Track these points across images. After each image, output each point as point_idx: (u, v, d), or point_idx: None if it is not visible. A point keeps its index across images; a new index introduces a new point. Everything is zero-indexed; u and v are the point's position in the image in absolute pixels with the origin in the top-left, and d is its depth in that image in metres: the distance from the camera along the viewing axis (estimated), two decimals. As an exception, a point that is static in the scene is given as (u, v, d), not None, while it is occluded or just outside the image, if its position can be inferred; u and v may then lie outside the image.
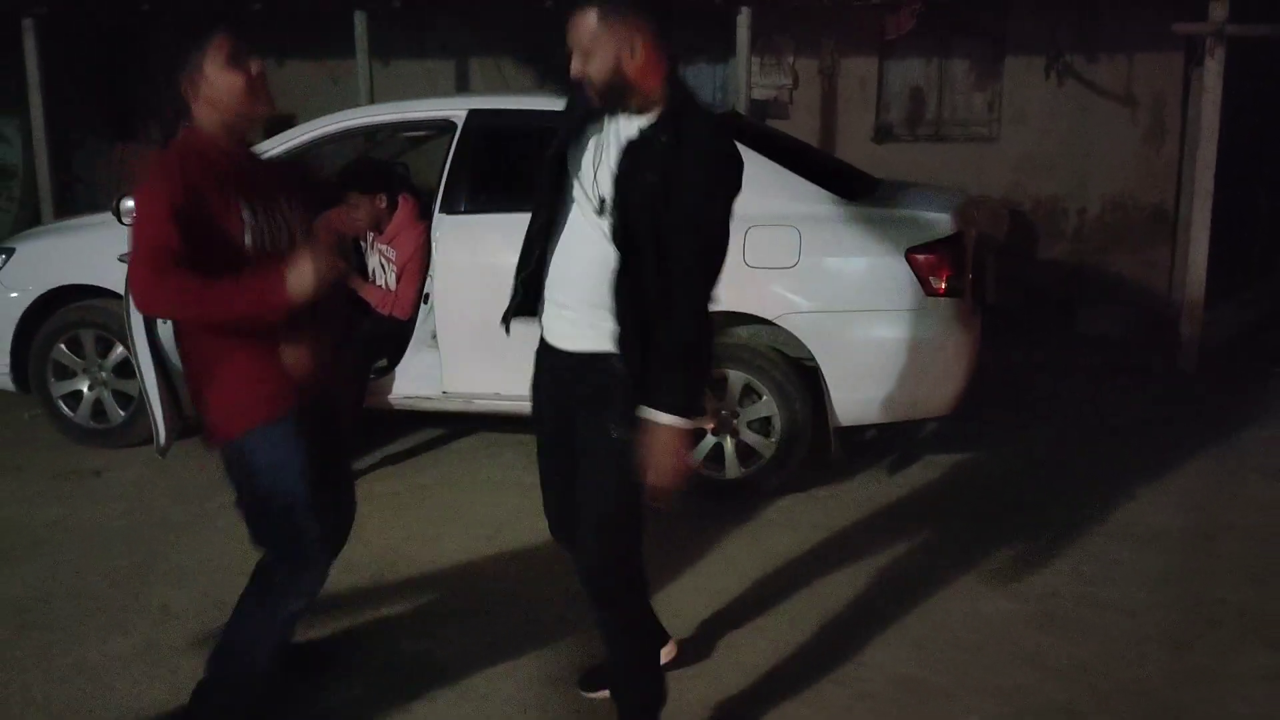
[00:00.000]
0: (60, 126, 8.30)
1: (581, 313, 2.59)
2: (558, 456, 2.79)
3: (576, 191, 2.60)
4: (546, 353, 2.73)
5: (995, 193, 8.02)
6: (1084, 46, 7.95)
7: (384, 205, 4.89)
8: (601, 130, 2.59)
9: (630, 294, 2.50)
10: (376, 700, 3.12)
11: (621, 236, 2.49)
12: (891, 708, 3.09)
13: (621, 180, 2.50)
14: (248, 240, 2.59)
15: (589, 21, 2.44)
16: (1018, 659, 3.34)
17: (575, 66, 2.50)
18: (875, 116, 8.44)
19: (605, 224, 2.53)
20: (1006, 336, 6.51)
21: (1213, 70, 6.32)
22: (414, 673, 3.26)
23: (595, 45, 2.45)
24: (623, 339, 2.51)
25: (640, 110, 2.52)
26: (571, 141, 2.64)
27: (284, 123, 9.34)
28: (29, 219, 8.52)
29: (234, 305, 2.50)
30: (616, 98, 2.50)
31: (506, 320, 2.76)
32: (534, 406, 2.83)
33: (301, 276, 2.47)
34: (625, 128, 2.54)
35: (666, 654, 3.14)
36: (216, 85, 2.61)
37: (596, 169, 2.57)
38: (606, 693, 2.97)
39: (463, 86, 9.19)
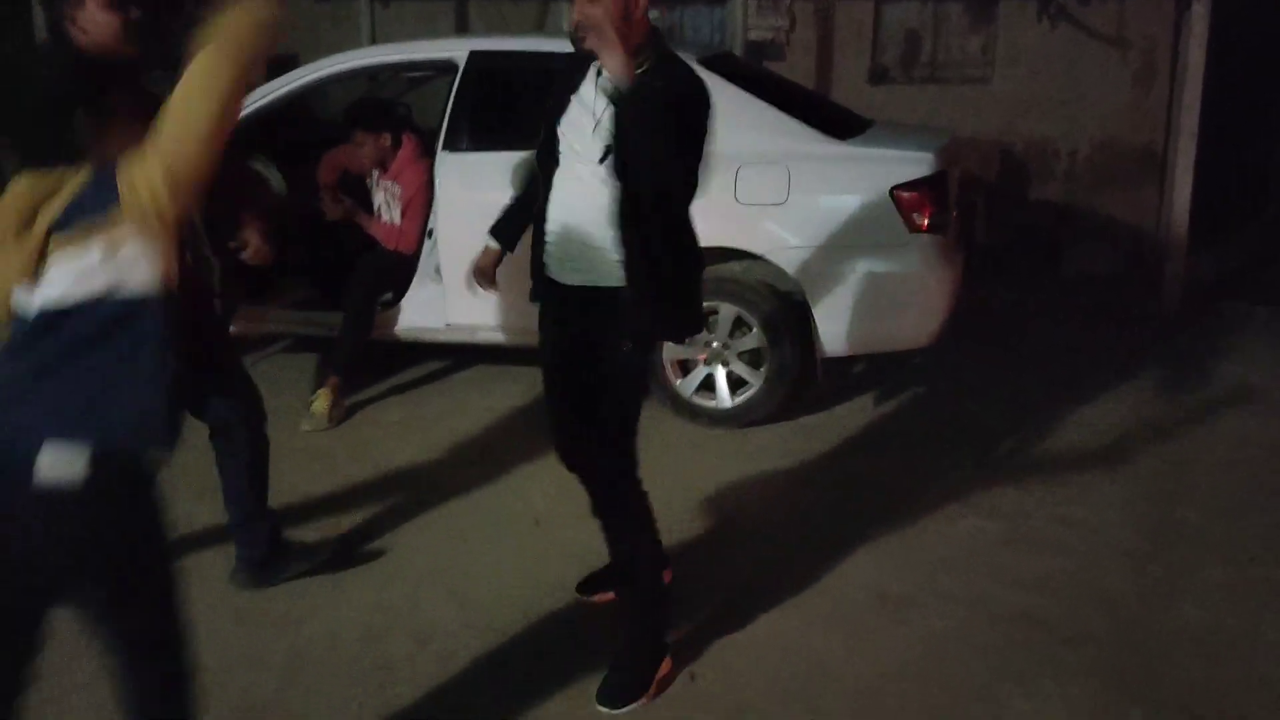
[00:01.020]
0: None
1: (586, 253, 2.82)
2: (563, 385, 3.01)
3: (573, 145, 2.82)
4: (553, 289, 2.93)
5: (988, 134, 8.13)
6: (1076, -11, 8.02)
7: (389, 143, 5.04)
8: (594, 84, 2.79)
9: (636, 232, 2.73)
10: (386, 602, 3.34)
11: (627, 180, 2.70)
12: (868, 615, 3.31)
13: (624, 128, 2.66)
14: None
15: None
16: (987, 572, 3.56)
17: (577, 9, 2.65)
18: (871, 59, 8.52)
19: (607, 170, 2.73)
20: (994, 275, 6.69)
21: (1199, 13, 6.43)
22: (419, 578, 3.48)
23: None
24: (630, 273, 2.74)
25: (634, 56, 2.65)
26: (564, 100, 2.86)
27: (286, 62, 9.45)
28: None
29: None
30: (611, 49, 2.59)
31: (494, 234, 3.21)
32: (541, 341, 3.04)
33: None
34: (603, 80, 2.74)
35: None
36: (94, 19, 2.73)
37: (598, 120, 2.77)
38: (608, 595, 3.20)
39: (462, 28, 9.24)
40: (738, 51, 6.99)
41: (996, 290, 6.69)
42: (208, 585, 3.37)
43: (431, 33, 8.82)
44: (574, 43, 2.77)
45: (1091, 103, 8.17)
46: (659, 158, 2.65)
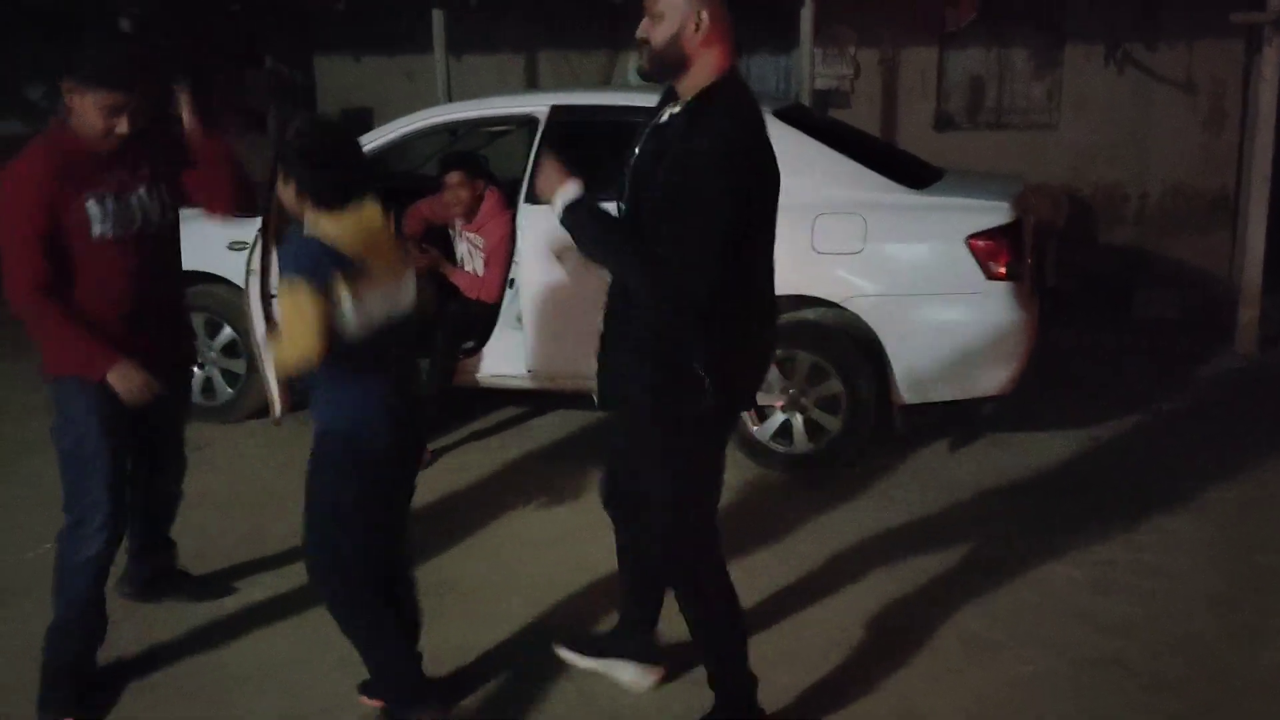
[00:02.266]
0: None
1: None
2: (616, 434, 3.04)
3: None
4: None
5: (1055, 180, 8.16)
6: (1143, 34, 8.06)
7: (482, 190, 5.21)
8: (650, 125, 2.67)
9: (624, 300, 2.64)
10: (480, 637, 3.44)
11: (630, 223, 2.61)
12: (954, 659, 3.35)
13: (634, 168, 2.62)
14: (95, 231, 2.99)
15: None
16: (1073, 618, 3.58)
17: (642, 27, 2.56)
18: (935, 105, 8.62)
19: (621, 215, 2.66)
20: (1065, 320, 6.70)
21: (1271, 59, 6.44)
22: (515, 623, 3.58)
23: (666, 9, 2.51)
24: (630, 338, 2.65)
25: (685, 93, 2.56)
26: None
27: (360, 116, 9.78)
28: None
29: (63, 355, 3.02)
30: (668, 70, 2.56)
31: None
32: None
33: (123, 380, 2.99)
34: (662, 116, 2.63)
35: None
36: (83, 117, 2.95)
37: (629, 162, 2.67)
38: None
39: (532, 81, 9.49)
40: (804, 100, 7.11)
41: (1067, 335, 6.70)
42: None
43: (503, 86, 9.08)
44: (640, 74, 2.72)
45: (1160, 147, 8.18)
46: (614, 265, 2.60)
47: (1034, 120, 8.48)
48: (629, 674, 3.17)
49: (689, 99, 2.56)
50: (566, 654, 3.26)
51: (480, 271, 5.27)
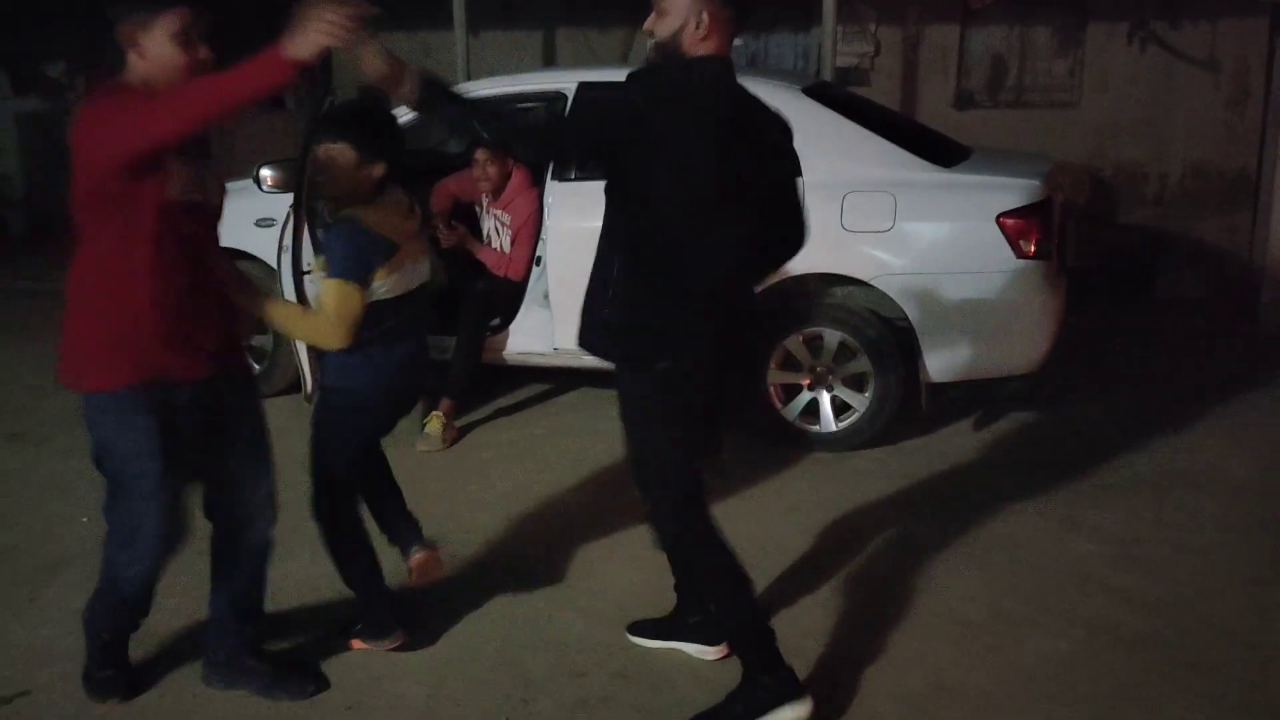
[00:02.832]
0: None
1: None
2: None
3: None
4: None
5: (1076, 158, 8.14)
6: (1167, 12, 8.02)
7: (510, 167, 5.21)
8: None
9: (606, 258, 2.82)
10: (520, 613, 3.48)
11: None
12: (986, 633, 3.37)
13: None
14: (171, 191, 2.59)
15: None
16: (1104, 595, 3.60)
17: (649, 21, 2.70)
18: (956, 83, 8.58)
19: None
20: (1086, 299, 6.69)
21: (1298, 36, 6.40)
22: (548, 594, 3.61)
23: (670, 6, 2.64)
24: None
25: None
26: None
27: (380, 94, 9.75)
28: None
29: (245, 83, 2.44)
30: (670, 62, 2.68)
31: None
32: None
33: (302, 35, 2.38)
34: None
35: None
36: (157, 54, 2.57)
37: None
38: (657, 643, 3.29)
39: (549, 58, 9.47)
40: (826, 78, 7.08)
41: (1088, 314, 6.69)
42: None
43: (520, 63, 9.06)
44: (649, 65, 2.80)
45: (1182, 126, 8.15)
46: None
47: (1055, 98, 8.44)
48: (693, 652, 3.22)
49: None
50: (636, 640, 3.32)
51: (507, 248, 5.28)
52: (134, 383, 2.66)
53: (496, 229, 5.35)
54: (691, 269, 2.72)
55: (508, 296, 5.24)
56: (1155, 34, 8.07)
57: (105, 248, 2.61)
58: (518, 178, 5.25)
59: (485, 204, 5.39)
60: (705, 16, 2.63)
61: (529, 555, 3.93)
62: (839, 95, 5.43)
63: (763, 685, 2.85)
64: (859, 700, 3.03)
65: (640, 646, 3.29)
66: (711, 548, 2.88)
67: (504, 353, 5.27)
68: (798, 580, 3.70)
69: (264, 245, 5.18)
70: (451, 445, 4.98)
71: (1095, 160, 8.31)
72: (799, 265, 4.74)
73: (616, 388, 2.89)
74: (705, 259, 2.73)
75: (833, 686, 3.09)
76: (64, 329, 2.69)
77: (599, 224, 2.86)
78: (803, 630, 3.38)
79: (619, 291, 2.75)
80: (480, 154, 5.21)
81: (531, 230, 5.19)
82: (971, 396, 5.34)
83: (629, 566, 3.81)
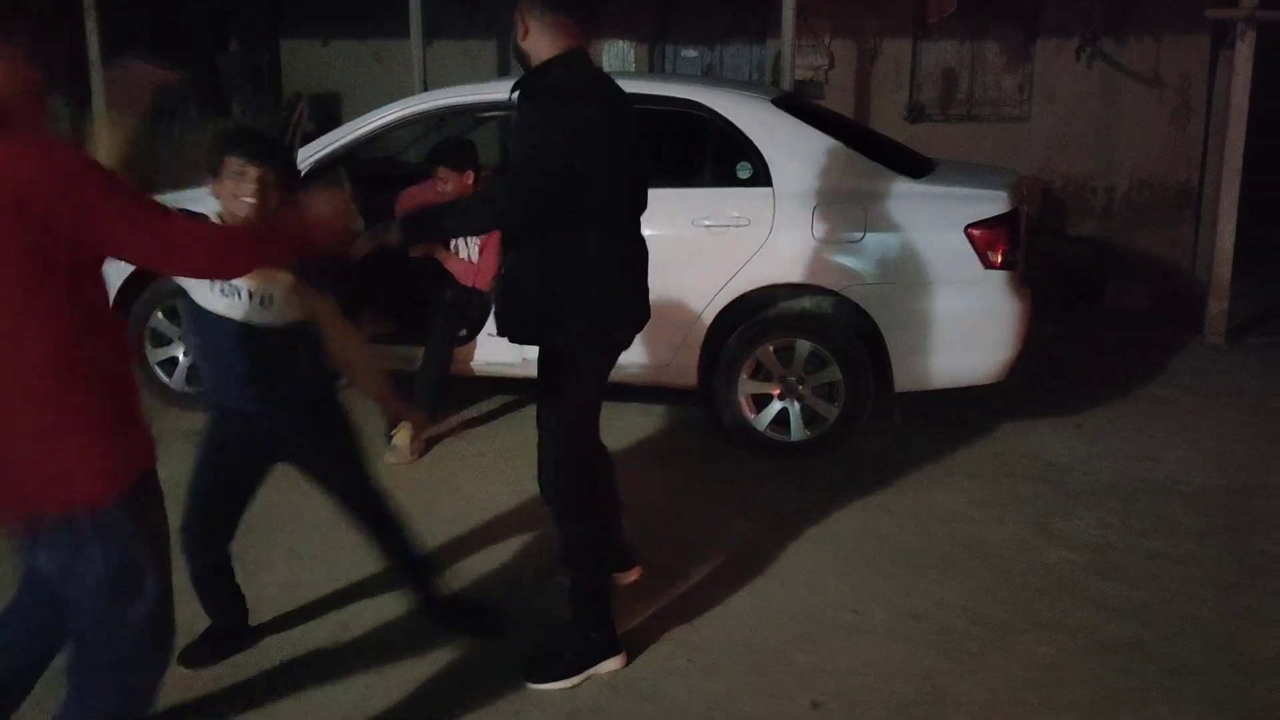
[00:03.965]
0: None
1: None
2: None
3: None
4: None
5: (1026, 171, 8.27)
6: (1113, 29, 8.20)
7: (471, 181, 5.16)
8: None
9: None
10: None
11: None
12: (971, 641, 3.39)
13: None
14: None
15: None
16: (1082, 601, 3.64)
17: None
18: (909, 96, 8.70)
19: None
20: (1037, 310, 6.78)
21: (1243, 54, 6.57)
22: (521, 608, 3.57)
23: (514, 18, 3.04)
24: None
25: None
26: None
27: (329, 101, 9.64)
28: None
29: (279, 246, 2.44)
30: (521, 63, 3.09)
31: None
32: None
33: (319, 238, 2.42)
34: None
35: (625, 578, 3.70)
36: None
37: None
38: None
39: (504, 67, 9.42)
40: (786, 89, 7.13)
41: (1042, 325, 6.79)
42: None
43: (474, 71, 9.00)
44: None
45: (1128, 141, 8.34)
46: None
47: (1005, 112, 8.59)
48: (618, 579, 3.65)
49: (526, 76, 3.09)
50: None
51: (474, 258, 5.23)
52: (147, 469, 2.26)
53: (464, 239, 5.29)
54: (605, 257, 3.10)
55: (475, 307, 5.18)
56: (1102, 50, 8.25)
57: (62, 318, 2.05)
58: (482, 183, 5.20)
59: (451, 213, 5.32)
60: (530, 23, 3.00)
61: (503, 567, 3.88)
62: (807, 106, 5.47)
63: (592, 640, 3.19)
64: (855, 711, 3.03)
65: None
66: (587, 518, 3.24)
67: (472, 363, 5.21)
68: (777, 590, 3.70)
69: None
70: (420, 458, 4.91)
71: (1044, 173, 8.47)
72: (771, 275, 4.82)
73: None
74: (616, 248, 3.16)
75: (829, 697, 3.08)
76: (25, 441, 2.06)
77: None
78: (788, 636, 3.39)
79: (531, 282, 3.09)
80: (439, 171, 5.16)
81: (499, 240, 5.13)
82: (940, 406, 5.40)
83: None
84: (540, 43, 3.01)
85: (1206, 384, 6.08)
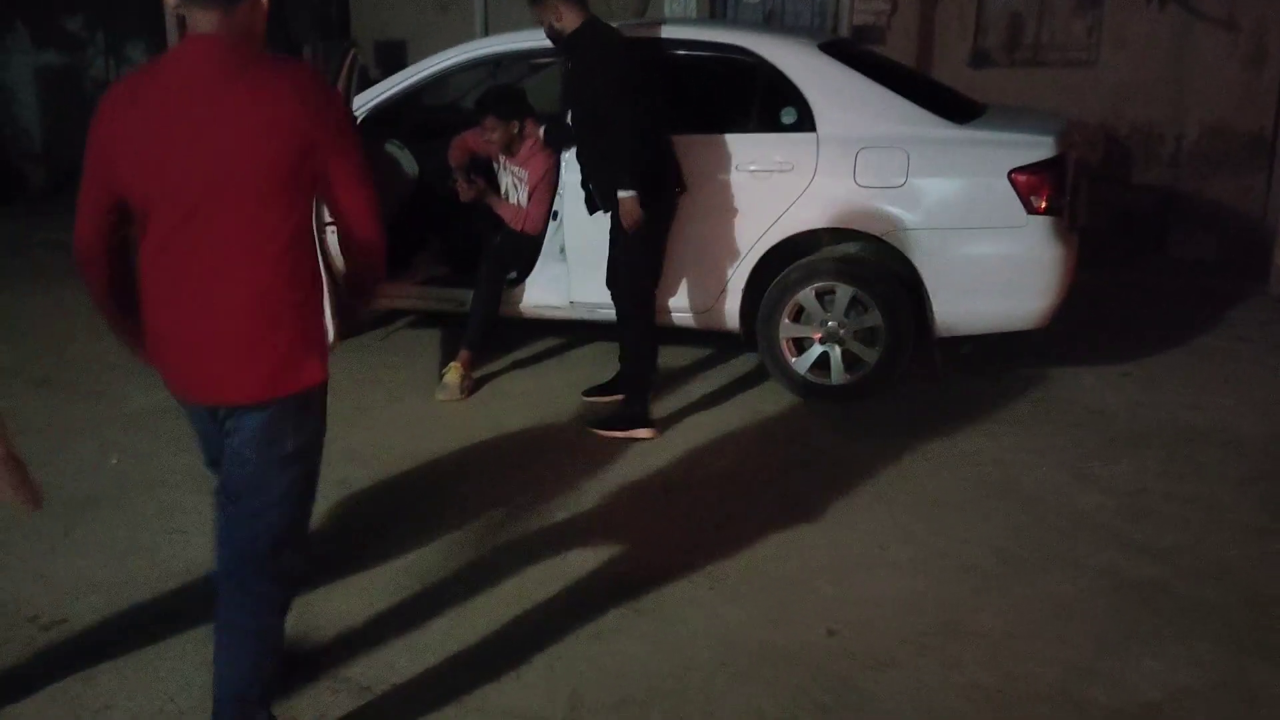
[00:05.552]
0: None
1: None
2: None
3: None
4: None
5: (1092, 118, 8.13)
6: (1187, -29, 7.97)
7: (516, 130, 5.26)
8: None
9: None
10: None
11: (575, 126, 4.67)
12: (994, 578, 3.46)
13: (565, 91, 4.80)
14: None
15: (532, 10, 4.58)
16: (1110, 542, 3.68)
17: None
18: (973, 42, 8.55)
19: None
20: (1098, 259, 6.72)
21: (1318, -5, 6.38)
22: (570, 539, 3.71)
23: (541, 17, 4.54)
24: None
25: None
26: None
27: (395, 48, 9.78)
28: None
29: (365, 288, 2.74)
30: (555, 40, 4.55)
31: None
32: None
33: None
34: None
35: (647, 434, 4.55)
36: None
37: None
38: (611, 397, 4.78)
39: (566, 14, 9.44)
40: (843, 35, 7.09)
41: (1101, 273, 6.73)
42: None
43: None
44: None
45: (1199, 87, 8.12)
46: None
47: (1072, 58, 8.41)
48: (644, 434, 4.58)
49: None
50: (589, 399, 4.92)
51: (524, 203, 5.34)
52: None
53: (514, 184, 5.40)
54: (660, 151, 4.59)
55: (525, 250, 5.31)
56: (1174, -8, 8.02)
57: (292, 231, 2.34)
58: (532, 135, 5.29)
59: (502, 160, 5.44)
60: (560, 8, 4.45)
61: (543, 499, 4.02)
62: (855, 52, 5.46)
63: (635, 410, 4.57)
64: (869, 639, 3.12)
65: (595, 403, 4.84)
66: (647, 336, 4.64)
67: (520, 305, 5.34)
68: (808, 523, 3.79)
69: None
70: (469, 396, 5.07)
71: (1111, 120, 8.30)
72: (813, 220, 4.86)
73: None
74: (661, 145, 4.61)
75: (845, 626, 3.18)
76: (260, 328, 2.34)
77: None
78: (812, 569, 3.48)
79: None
80: (487, 121, 5.25)
81: (548, 185, 5.25)
82: (982, 353, 5.41)
83: (642, 509, 3.92)
84: (569, 20, 4.46)
85: (1266, 335, 5.99)
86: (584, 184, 4.67)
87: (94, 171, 2.34)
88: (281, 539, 2.47)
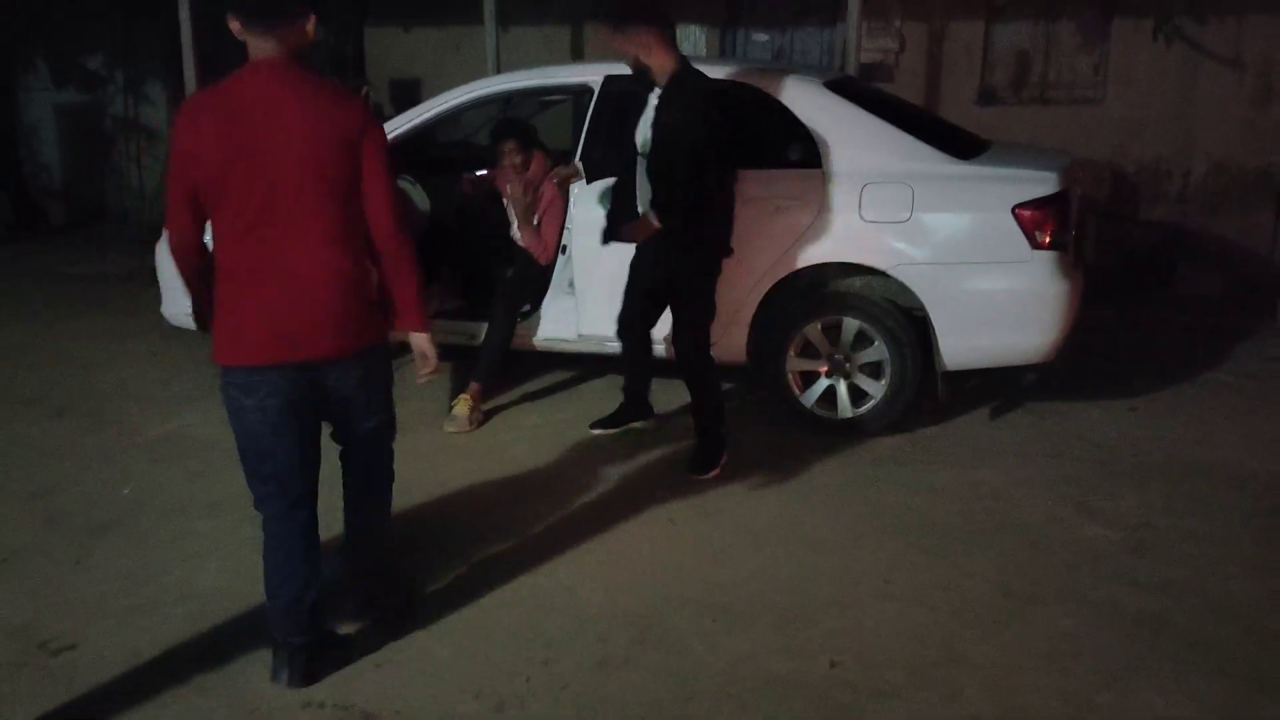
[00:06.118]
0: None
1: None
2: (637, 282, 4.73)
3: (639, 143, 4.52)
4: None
5: (1099, 155, 8.20)
6: (1193, 9, 8.05)
7: (531, 157, 5.35)
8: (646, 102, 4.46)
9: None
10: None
11: (652, 163, 4.42)
12: (996, 611, 3.47)
13: (654, 130, 4.35)
14: None
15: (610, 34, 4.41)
16: (1112, 577, 3.69)
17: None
18: (980, 80, 8.65)
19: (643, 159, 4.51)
20: (1106, 295, 6.76)
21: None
22: (570, 569, 3.74)
23: (624, 44, 4.34)
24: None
25: (659, 82, 4.37)
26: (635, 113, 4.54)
27: (410, 87, 9.92)
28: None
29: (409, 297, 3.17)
30: (640, 76, 4.39)
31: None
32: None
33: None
34: (653, 99, 4.41)
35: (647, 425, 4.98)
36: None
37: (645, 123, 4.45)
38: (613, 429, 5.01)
39: (577, 52, 9.59)
40: (850, 73, 7.17)
41: (1107, 309, 6.77)
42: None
43: (549, 57, 9.19)
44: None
45: (1205, 124, 8.19)
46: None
47: (1079, 95, 8.49)
48: (639, 425, 4.96)
49: (660, 87, 4.39)
50: (597, 431, 4.98)
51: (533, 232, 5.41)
52: None
53: (524, 214, 5.47)
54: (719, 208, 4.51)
55: (536, 282, 5.37)
56: (1181, 30, 8.11)
57: (349, 218, 2.90)
58: (539, 166, 5.38)
59: (509, 191, 5.51)
60: (649, 40, 4.33)
61: (550, 531, 4.06)
62: (860, 89, 5.53)
63: (715, 444, 4.58)
64: (871, 670, 3.14)
65: (602, 435, 4.97)
66: (712, 372, 4.62)
67: (533, 339, 5.40)
68: (814, 556, 3.82)
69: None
70: (478, 428, 5.12)
71: (1118, 157, 8.36)
72: (819, 254, 4.92)
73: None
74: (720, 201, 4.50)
75: (848, 657, 3.20)
76: (343, 297, 2.89)
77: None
78: (815, 600, 3.51)
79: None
80: (509, 144, 5.34)
81: (558, 211, 5.33)
82: (987, 385, 5.44)
83: (649, 542, 3.94)
84: (660, 60, 4.35)
85: (1272, 371, 6.00)
86: (611, 214, 4.74)
87: (178, 175, 2.78)
88: (386, 435, 3.29)
